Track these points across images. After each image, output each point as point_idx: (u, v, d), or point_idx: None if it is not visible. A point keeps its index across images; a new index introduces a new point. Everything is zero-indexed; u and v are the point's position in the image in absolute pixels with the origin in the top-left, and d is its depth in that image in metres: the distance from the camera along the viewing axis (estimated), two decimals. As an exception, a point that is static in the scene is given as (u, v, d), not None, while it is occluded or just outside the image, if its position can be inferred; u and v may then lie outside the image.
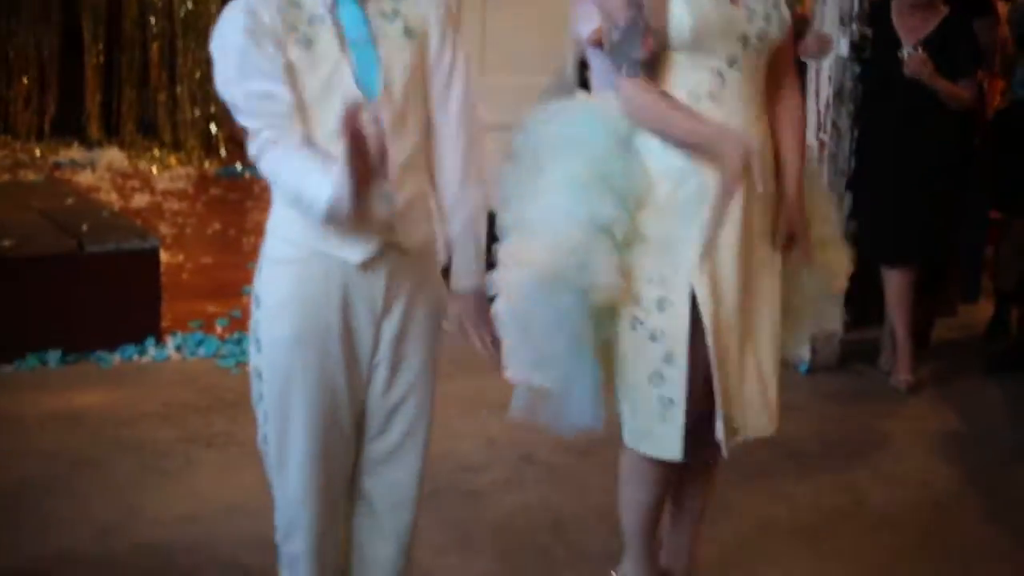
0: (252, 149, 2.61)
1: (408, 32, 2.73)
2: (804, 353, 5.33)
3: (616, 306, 3.04)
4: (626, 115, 3.02)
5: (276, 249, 2.71)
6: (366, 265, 2.68)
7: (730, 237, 3.01)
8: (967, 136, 5.51)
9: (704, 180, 2.98)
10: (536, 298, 2.96)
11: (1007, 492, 4.47)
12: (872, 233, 5.37)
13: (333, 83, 2.63)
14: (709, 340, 2.99)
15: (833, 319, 3.35)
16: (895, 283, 5.39)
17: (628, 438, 3.13)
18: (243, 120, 2.62)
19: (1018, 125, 5.75)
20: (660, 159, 3.01)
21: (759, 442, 3.20)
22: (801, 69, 5.52)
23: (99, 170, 9.17)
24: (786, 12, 3.08)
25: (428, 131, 2.79)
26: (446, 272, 2.90)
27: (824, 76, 5.48)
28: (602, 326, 3.06)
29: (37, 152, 9.43)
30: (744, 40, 3.01)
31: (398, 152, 2.67)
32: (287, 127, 2.58)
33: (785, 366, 3.33)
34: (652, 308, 3.02)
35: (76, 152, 9.60)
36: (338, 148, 2.51)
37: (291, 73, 2.60)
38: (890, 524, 4.16)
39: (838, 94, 5.47)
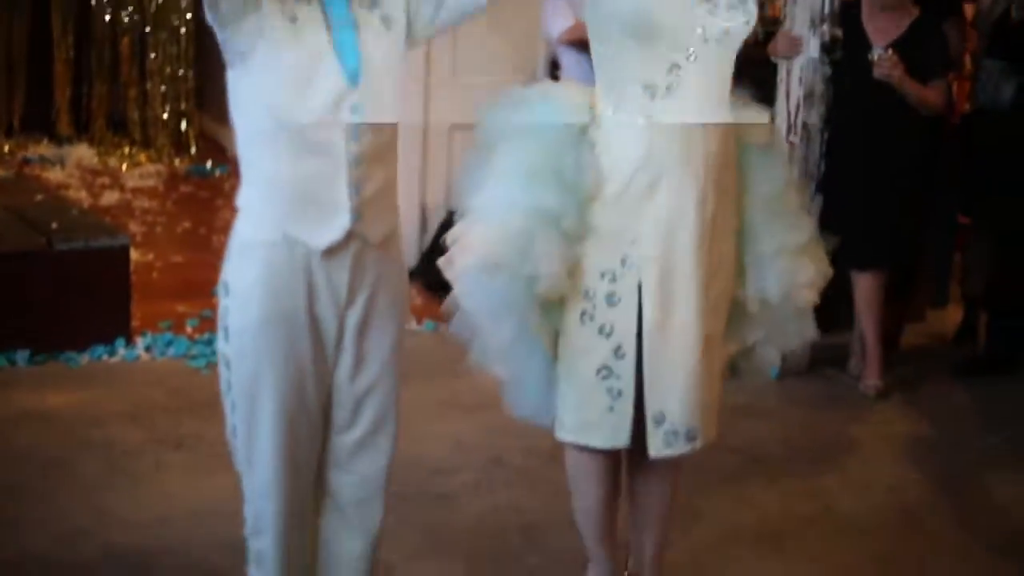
0: None
1: (385, 21, 2.77)
2: (774, 357, 5.34)
3: (565, 299, 3.05)
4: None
5: (244, 232, 2.74)
6: (330, 252, 2.72)
7: (685, 234, 3.02)
8: (936, 139, 5.53)
9: (656, 174, 2.99)
10: (479, 285, 2.99)
11: (975, 497, 4.51)
12: (841, 236, 5.39)
13: (316, 63, 2.67)
14: (645, 340, 3.00)
15: (798, 334, 3.32)
16: (864, 288, 5.41)
17: (572, 432, 3.13)
18: None
19: (983, 130, 5.78)
20: (613, 152, 3.02)
21: (726, 447, 3.22)
22: (772, 70, 5.55)
23: (68, 167, 9.12)
24: (753, 7, 3.05)
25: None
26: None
27: (795, 77, 5.49)
28: (553, 318, 3.07)
29: (6, 148, 9.35)
30: (705, 34, 3.00)
31: (369, 142, 2.72)
32: None
33: (753, 371, 3.36)
34: (602, 302, 3.03)
35: (45, 148, 9.54)
36: (319, 132, 2.64)
37: (273, 46, 2.64)
38: (858, 529, 4.18)
39: (808, 96, 5.48)
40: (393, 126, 2.80)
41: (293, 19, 2.66)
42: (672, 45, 2.98)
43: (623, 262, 3.02)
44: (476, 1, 2.89)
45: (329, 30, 2.68)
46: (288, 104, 2.66)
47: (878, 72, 5.15)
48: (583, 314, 3.04)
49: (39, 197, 6.60)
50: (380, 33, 2.75)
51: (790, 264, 3.18)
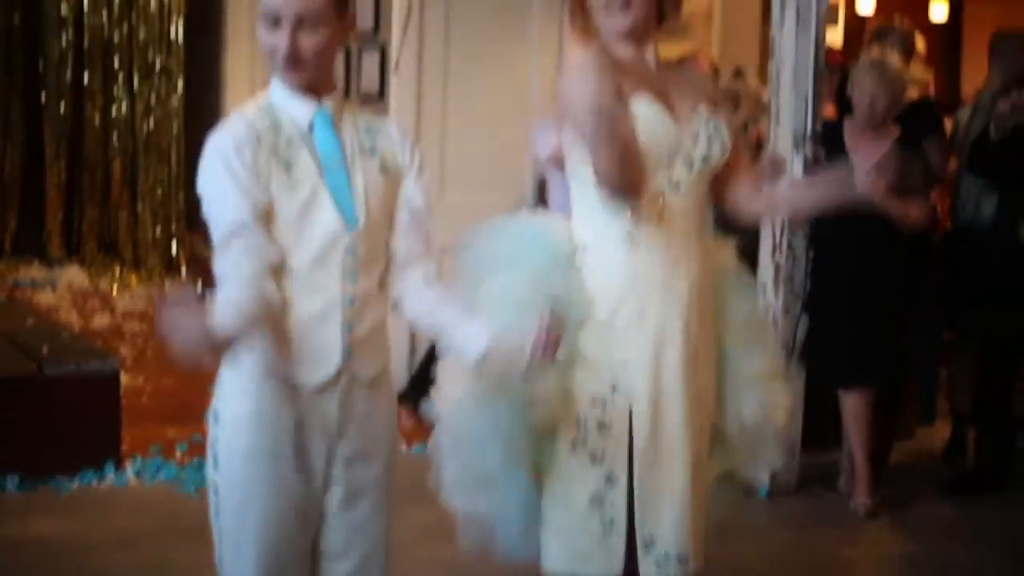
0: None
1: (384, 169, 2.81)
2: (763, 477, 5.34)
3: (554, 427, 3.06)
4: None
5: (234, 362, 2.74)
6: (320, 390, 2.73)
7: (673, 360, 3.04)
8: (919, 256, 5.58)
9: (643, 302, 3.03)
10: (471, 411, 2.99)
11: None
12: (828, 355, 5.44)
13: (312, 208, 2.70)
14: (636, 465, 3.01)
15: (773, 456, 3.34)
16: (852, 406, 5.43)
17: (564, 562, 3.08)
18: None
19: (965, 246, 5.84)
20: (598, 279, 3.05)
21: (717, 568, 3.20)
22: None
23: (59, 289, 9.16)
24: (726, 135, 3.12)
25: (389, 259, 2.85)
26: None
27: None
28: (539, 448, 3.08)
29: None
30: (689, 163, 3.06)
31: (364, 283, 2.75)
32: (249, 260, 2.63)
33: (745, 491, 3.36)
34: (593, 429, 3.03)
35: (36, 270, 9.58)
36: (314, 274, 2.66)
37: (271, 200, 2.67)
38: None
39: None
40: (386, 266, 2.83)
41: (287, 166, 2.70)
42: (662, 175, 3.04)
43: (614, 388, 3.03)
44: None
45: (321, 173, 2.72)
46: (288, 247, 2.69)
47: (861, 191, 5.19)
48: (574, 442, 3.04)
49: (30, 321, 6.63)
50: (377, 178, 2.79)
51: (764, 389, 3.22)
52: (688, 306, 3.06)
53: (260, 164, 2.67)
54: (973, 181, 5.83)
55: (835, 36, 10.34)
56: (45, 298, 8.88)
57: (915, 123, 5.61)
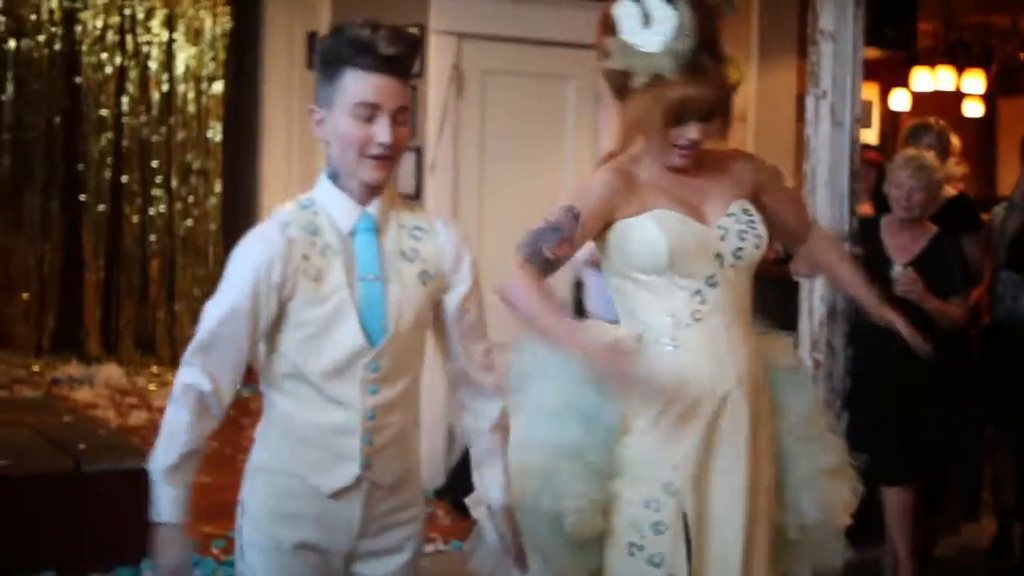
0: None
1: (424, 276, 2.76)
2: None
3: (605, 534, 3.03)
4: (500, 293, 3.02)
5: (260, 457, 2.77)
6: (339, 494, 2.73)
7: (726, 458, 3.02)
8: (959, 353, 5.56)
9: (690, 400, 3.02)
10: None
11: None
12: (870, 452, 5.37)
13: (335, 323, 2.67)
14: (694, 565, 2.98)
15: (834, 555, 3.31)
16: (895, 502, 5.37)
17: None
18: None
19: (1003, 341, 5.81)
20: None
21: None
22: (794, 288, 5.61)
23: (97, 386, 9.19)
24: (762, 229, 3.15)
25: (419, 367, 2.83)
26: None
27: (816, 296, 5.54)
28: (588, 557, 3.04)
29: (35, 368, 9.45)
30: (720, 258, 3.08)
31: (387, 393, 2.72)
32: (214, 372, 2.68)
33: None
34: (650, 532, 3.00)
35: (74, 368, 9.63)
36: (334, 386, 2.64)
37: (294, 309, 2.66)
38: None
39: (831, 313, 5.52)
40: (416, 372, 2.81)
41: (318, 277, 2.67)
42: (694, 273, 3.06)
43: (666, 489, 3.02)
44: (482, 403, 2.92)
45: (352, 285, 2.68)
46: (306, 357, 2.68)
47: (899, 289, 5.20)
48: (631, 546, 3.01)
49: (67, 418, 6.65)
50: (415, 287, 2.75)
51: (826, 487, 3.19)
52: (737, 403, 3.05)
53: (287, 276, 2.65)
54: (1010, 276, 5.81)
55: (871, 133, 10.40)
56: (82, 395, 8.91)
57: (952, 220, 5.61)
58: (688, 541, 3.00)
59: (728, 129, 3.17)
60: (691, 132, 3.06)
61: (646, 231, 3.05)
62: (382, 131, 2.64)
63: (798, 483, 3.18)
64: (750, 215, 3.16)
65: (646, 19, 3.04)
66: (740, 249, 3.11)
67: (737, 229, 3.11)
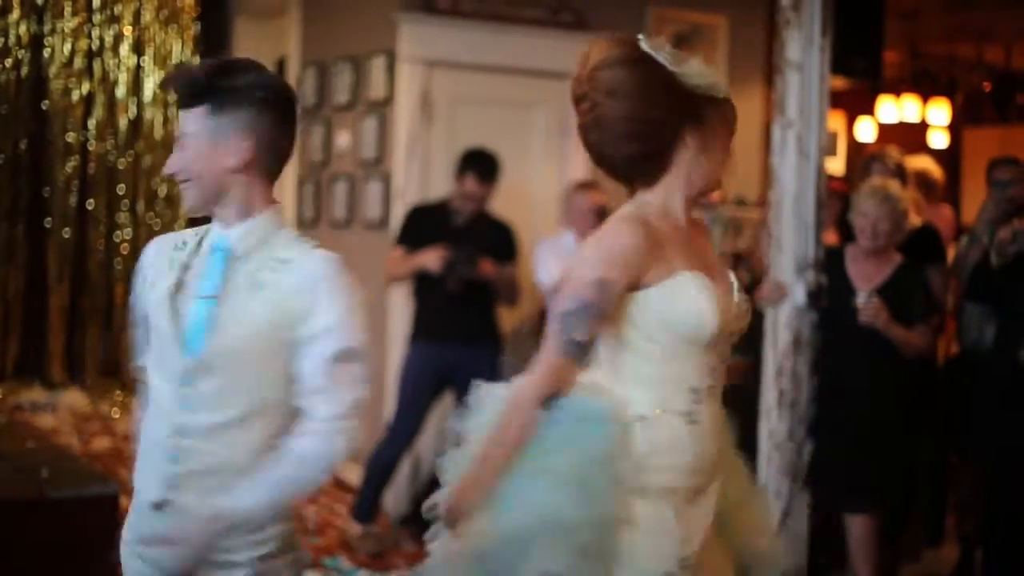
0: None
1: (270, 307, 2.76)
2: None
3: None
4: (526, 388, 2.82)
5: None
6: (155, 508, 2.79)
7: (712, 535, 3.00)
8: (923, 381, 5.59)
9: (705, 478, 2.95)
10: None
11: None
12: (833, 480, 5.41)
13: (157, 324, 2.81)
14: None
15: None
16: (858, 529, 5.38)
17: None
18: None
19: (968, 371, 5.84)
20: (665, 453, 2.90)
21: None
22: (759, 317, 5.63)
23: (60, 412, 9.14)
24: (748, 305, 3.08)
25: (267, 402, 2.79)
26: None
27: (781, 324, 5.56)
28: None
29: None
30: (732, 337, 3.01)
31: (206, 417, 2.73)
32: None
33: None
34: None
35: (38, 393, 9.56)
36: (158, 394, 2.79)
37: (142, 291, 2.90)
38: None
39: (796, 342, 5.53)
40: (256, 416, 2.78)
41: (153, 283, 2.85)
42: (723, 349, 2.96)
43: (682, 564, 2.87)
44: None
45: (174, 299, 2.79)
46: (149, 355, 2.85)
47: (863, 318, 5.23)
48: None
49: (30, 443, 6.60)
50: (253, 316, 2.75)
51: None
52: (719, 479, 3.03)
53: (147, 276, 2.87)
54: (975, 307, 5.85)
55: (836, 163, 10.47)
56: (46, 421, 8.85)
57: (917, 250, 5.65)
58: None
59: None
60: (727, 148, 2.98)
61: (688, 297, 2.84)
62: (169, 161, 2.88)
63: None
64: (739, 290, 3.03)
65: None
66: (743, 327, 3.03)
67: (744, 307, 3.00)
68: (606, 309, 2.80)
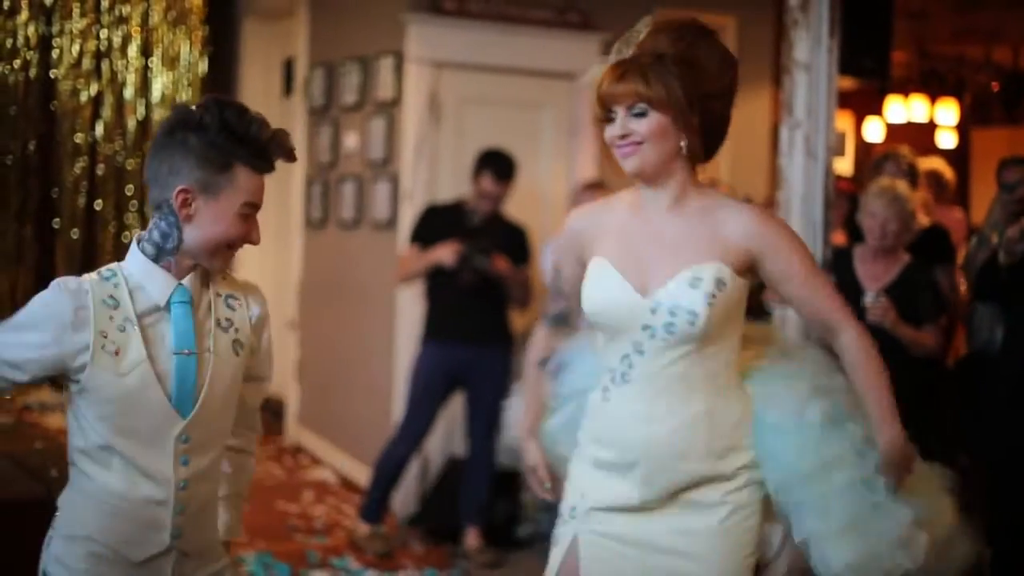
0: None
1: (237, 345, 2.79)
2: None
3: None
4: (529, 351, 3.43)
5: (69, 527, 2.78)
6: (147, 562, 2.76)
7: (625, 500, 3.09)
8: (932, 381, 5.58)
9: (601, 451, 3.11)
10: None
11: None
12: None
13: (141, 397, 2.67)
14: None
15: None
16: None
17: None
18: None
19: (978, 371, 5.82)
20: (585, 420, 3.17)
21: None
22: (768, 318, 5.62)
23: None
24: (703, 306, 2.97)
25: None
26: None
27: (790, 325, 5.55)
28: None
29: (6, 394, 9.38)
30: (650, 331, 3.00)
31: (198, 463, 2.75)
32: None
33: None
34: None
35: (46, 394, 9.55)
36: (146, 458, 2.66)
37: (90, 380, 2.65)
38: None
39: (805, 341, 5.51)
40: (224, 443, 2.86)
41: (115, 353, 2.65)
42: (622, 338, 3.04)
43: (571, 513, 3.14)
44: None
45: (156, 358, 2.68)
46: (114, 432, 2.67)
47: (871, 317, 5.22)
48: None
49: (38, 444, 6.60)
50: (228, 358, 2.78)
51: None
52: (641, 472, 3.03)
53: (89, 337, 2.64)
54: (986, 308, 5.83)
55: (845, 163, 10.46)
56: (55, 421, 8.84)
57: (926, 249, 5.64)
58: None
59: (696, 144, 3.01)
60: (616, 127, 2.98)
61: (587, 282, 3.07)
62: (255, 230, 2.73)
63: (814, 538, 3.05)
64: (696, 286, 2.98)
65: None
66: (672, 325, 2.98)
67: (670, 305, 2.97)
68: (562, 287, 3.19)
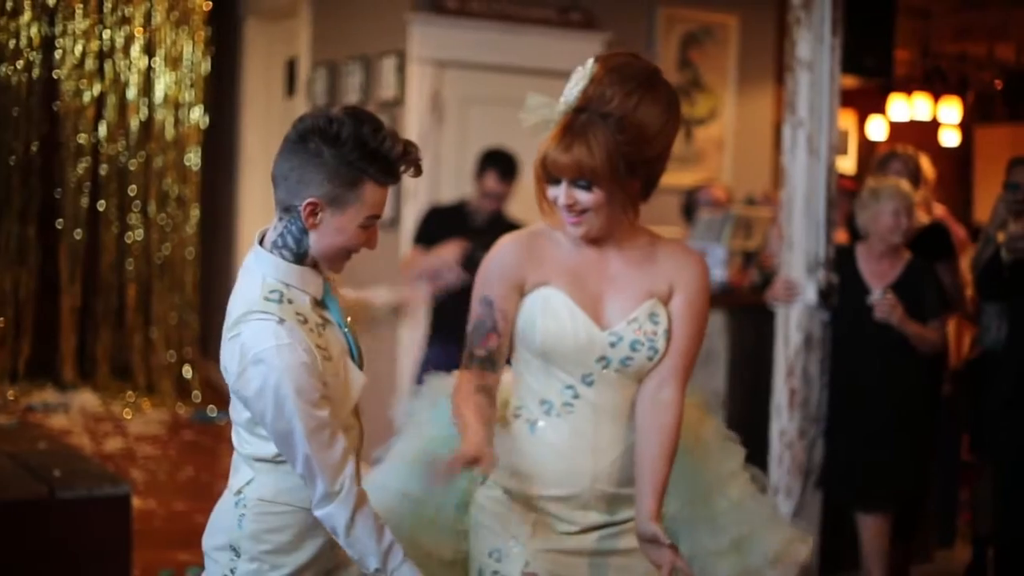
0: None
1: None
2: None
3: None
4: (452, 395, 3.02)
5: (265, 491, 2.81)
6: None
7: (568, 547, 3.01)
8: (937, 378, 5.58)
9: (537, 487, 3.00)
10: None
11: None
12: (845, 479, 5.40)
13: (342, 376, 2.83)
14: None
15: None
16: (870, 529, 5.37)
17: None
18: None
19: (988, 371, 5.82)
20: (511, 452, 3.00)
21: None
22: (769, 316, 5.62)
23: (72, 413, 9.16)
24: (663, 341, 3.00)
25: None
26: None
27: (792, 324, 5.55)
28: None
29: (10, 395, 9.41)
30: (604, 361, 2.98)
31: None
32: None
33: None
34: None
35: (49, 394, 9.58)
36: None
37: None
38: None
39: (807, 341, 5.53)
40: None
41: (327, 356, 2.77)
42: (570, 370, 2.99)
43: (515, 540, 3.00)
44: None
45: (344, 342, 2.88)
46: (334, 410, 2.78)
47: (879, 313, 5.22)
48: None
49: (42, 444, 6.60)
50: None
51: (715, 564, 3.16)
52: (585, 502, 3.01)
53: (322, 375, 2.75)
54: (993, 307, 5.83)
55: (847, 161, 10.45)
56: (58, 422, 8.87)
57: (928, 247, 5.63)
58: None
59: (634, 211, 3.00)
60: (561, 195, 2.96)
61: (532, 310, 2.98)
62: (374, 237, 2.81)
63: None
64: (656, 322, 3.00)
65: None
66: (629, 359, 2.98)
67: (631, 340, 2.97)
68: (497, 322, 2.99)
